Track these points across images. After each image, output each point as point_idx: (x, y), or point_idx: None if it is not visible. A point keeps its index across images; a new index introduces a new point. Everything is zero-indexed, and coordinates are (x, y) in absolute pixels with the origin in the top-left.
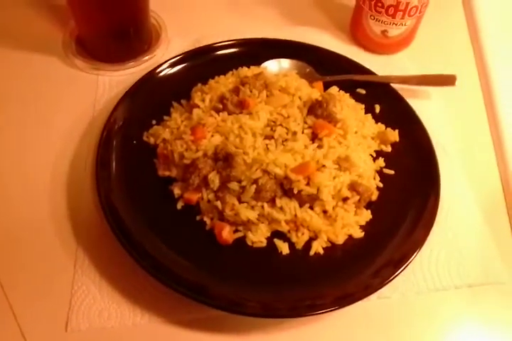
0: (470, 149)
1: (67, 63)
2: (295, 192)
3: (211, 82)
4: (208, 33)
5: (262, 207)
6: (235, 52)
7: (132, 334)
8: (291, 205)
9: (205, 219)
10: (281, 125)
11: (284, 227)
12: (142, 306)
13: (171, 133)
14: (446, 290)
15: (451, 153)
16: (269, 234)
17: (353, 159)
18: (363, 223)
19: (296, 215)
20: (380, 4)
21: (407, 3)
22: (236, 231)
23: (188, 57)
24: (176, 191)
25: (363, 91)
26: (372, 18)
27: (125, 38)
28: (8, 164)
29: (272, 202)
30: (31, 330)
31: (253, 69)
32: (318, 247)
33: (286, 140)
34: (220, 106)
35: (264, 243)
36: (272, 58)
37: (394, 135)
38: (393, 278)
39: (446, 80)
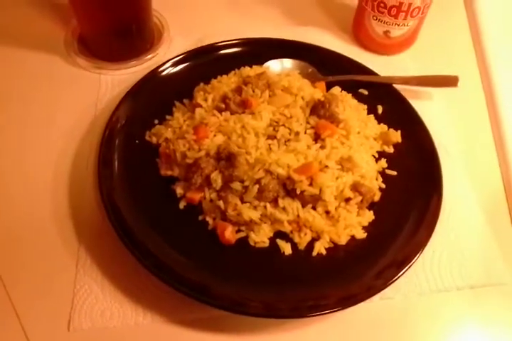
0: (472, 150)
1: (69, 62)
2: (298, 192)
3: (214, 81)
4: (210, 33)
5: (265, 207)
6: (237, 51)
7: (134, 334)
8: (293, 205)
9: (208, 218)
10: (283, 125)
11: (287, 227)
12: (144, 306)
13: (174, 133)
14: (448, 292)
15: (454, 154)
16: (271, 235)
17: (356, 160)
18: (366, 224)
19: (298, 215)
20: (382, 5)
21: (410, 4)
22: (238, 231)
23: (190, 56)
24: (179, 190)
25: (365, 92)
26: (375, 18)
27: (127, 36)
28: (10, 163)
29: (275, 202)
30: (34, 330)
31: (255, 69)
32: (320, 248)
33: (288, 140)
34: (223, 105)
35: (266, 243)
36: (274, 58)
37: (396, 136)
38: (396, 279)
39: (448, 81)
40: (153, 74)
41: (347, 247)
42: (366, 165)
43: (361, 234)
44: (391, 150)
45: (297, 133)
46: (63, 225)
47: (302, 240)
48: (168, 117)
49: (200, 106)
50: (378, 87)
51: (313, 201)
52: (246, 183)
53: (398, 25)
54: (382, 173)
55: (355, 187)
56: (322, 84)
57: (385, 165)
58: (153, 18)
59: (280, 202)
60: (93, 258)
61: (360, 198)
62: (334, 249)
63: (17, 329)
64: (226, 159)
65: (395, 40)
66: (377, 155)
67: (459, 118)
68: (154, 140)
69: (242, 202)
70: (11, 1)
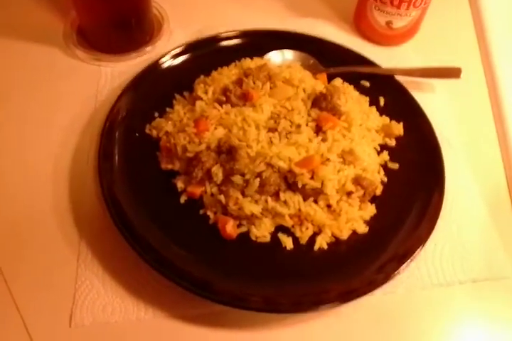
0: (474, 142)
1: (68, 54)
2: (299, 185)
3: (214, 73)
4: (211, 24)
5: (266, 201)
6: (237, 43)
7: (136, 329)
8: (295, 199)
9: (209, 213)
10: (285, 118)
11: (288, 222)
12: (146, 301)
13: (174, 126)
14: (450, 286)
15: (456, 147)
16: (273, 229)
17: (358, 152)
18: (368, 218)
19: (300, 209)
20: None
21: None
22: (240, 225)
23: (190, 48)
24: (179, 184)
25: (367, 84)
26: (377, 8)
27: (127, 28)
28: (10, 157)
29: (276, 195)
30: (35, 325)
31: (256, 61)
32: (322, 242)
33: (290, 133)
34: (224, 98)
35: (267, 238)
36: (275, 49)
37: (398, 128)
38: (397, 274)
39: (451, 73)
40: (154, 67)
41: (348, 241)
42: (368, 158)
43: (363, 228)
44: (393, 142)
45: (298, 126)
46: (64, 220)
47: (304, 234)
48: (168, 110)
49: (201, 98)
50: (380, 78)
51: (314, 194)
52: (247, 177)
53: (400, 15)
54: (384, 166)
55: (357, 181)
56: (323, 76)
57: (387, 157)
58: (153, 9)
59: (281, 195)
60: (94, 252)
61: (362, 192)
62: (336, 243)
63: (18, 325)
64: (227, 152)
65: (397, 31)
66: (379, 148)
67: (461, 111)
68: (155, 133)
69: (243, 196)
70: None
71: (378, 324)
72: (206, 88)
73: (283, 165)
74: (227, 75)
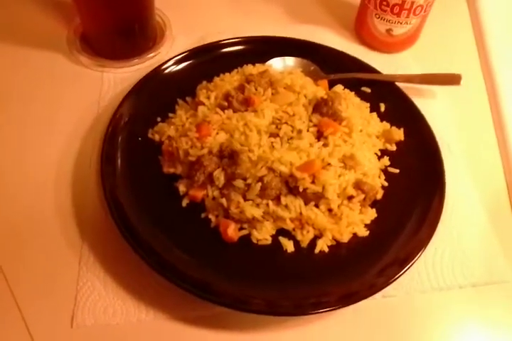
0: (475, 148)
1: (71, 60)
2: (300, 190)
3: (216, 79)
4: (213, 31)
5: (267, 204)
6: (239, 49)
7: (137, 331)
8: (296, 203)
9: (210, 216)
10: (286, 123)
11: (289, 225)
12: (147, 303)
13: (176, 131)
14: (450, 290)
15: (456, 152)
16: (274, 232)
17: (358, 157)
18: (368, 222)
19: (301, 213)
20: (385, 3)
21: (413, 2)
22: (241, 228)
23: (192, 54)
24: (181, 188)
25: (368, 90)
26: (377, 16)
27: (130, 35)
28: (13, 161)
29: (277, 199)
30: (37, 326)
31: (258, 67)
32: (323, 245)
33: (291, 138)
34: (225, 103)
35: (269, 241)
36: (276, 56)
37: (399, 134)
38: (398, 277)
39: (451, 79)
40: (156, 73)
41: (349, 245)
42: (369, 163)
43: (363, 232)
44: (393, 148)
45: (300, 131)
46: (66, 223)
47: (305, 238)
48: (170, 115)
49: (203, 104)
50: (381, 85)
51: (315, 199)
52: (248, 181)
53: (401, 23)
54: (385, 171)
55: (358, 185)
56: (324, 82)
57: (388, 163)
58: (156, 16)
59: (283, 199)
60: (96, 255)
61: (362, 196)
62: (336, 246)
63: (20, 326)
64: (229, 157)
65: (398, 38)
66: (379, 153)
67: (461, 117)
68: (157, 138)
69: (245, 199)
70: None
71: (378, 327)
72: (208, 93)
73: (284, 169)
74: (229, 81)
